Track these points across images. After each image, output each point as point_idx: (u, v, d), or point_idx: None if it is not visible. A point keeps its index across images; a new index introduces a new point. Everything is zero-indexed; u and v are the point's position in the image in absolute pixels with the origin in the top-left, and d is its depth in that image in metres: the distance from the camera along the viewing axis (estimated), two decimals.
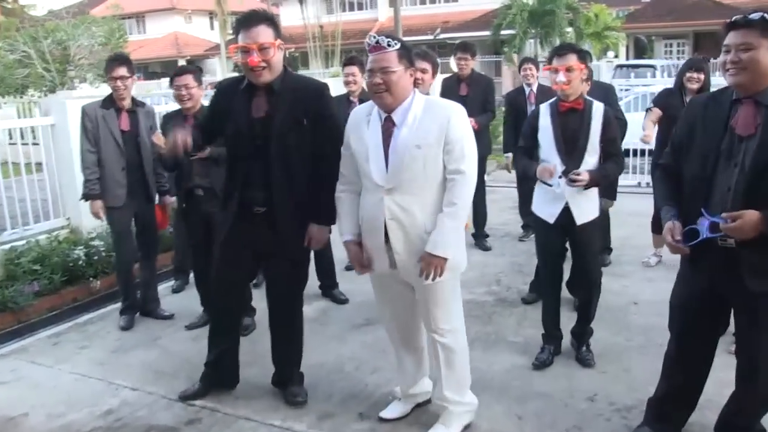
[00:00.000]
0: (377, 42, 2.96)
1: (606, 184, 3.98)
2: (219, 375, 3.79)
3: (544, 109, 3.99)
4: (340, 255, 5.94)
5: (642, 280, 5.47)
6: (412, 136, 2.96)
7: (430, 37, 29.53)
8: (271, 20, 3.33)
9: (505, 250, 6.56)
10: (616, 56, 24.76)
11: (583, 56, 3.98)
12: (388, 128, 3.03)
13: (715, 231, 2.64)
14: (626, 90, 11.12)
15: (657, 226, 5.23)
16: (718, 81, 4.10)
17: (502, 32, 24.16)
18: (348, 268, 6.02)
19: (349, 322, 4.87)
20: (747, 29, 2.59)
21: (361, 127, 3.11)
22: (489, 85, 6.65)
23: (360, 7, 37.51)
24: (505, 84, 7.03)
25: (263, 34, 3.24)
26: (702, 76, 5.11)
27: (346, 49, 27.26)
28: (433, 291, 3.11)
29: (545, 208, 3.99)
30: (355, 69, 5.49)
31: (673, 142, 3.00)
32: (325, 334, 4.65)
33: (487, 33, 25.30)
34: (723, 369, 3.11)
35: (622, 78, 14.53)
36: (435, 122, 2.97)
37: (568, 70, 3.80)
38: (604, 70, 15.09)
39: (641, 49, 29.64)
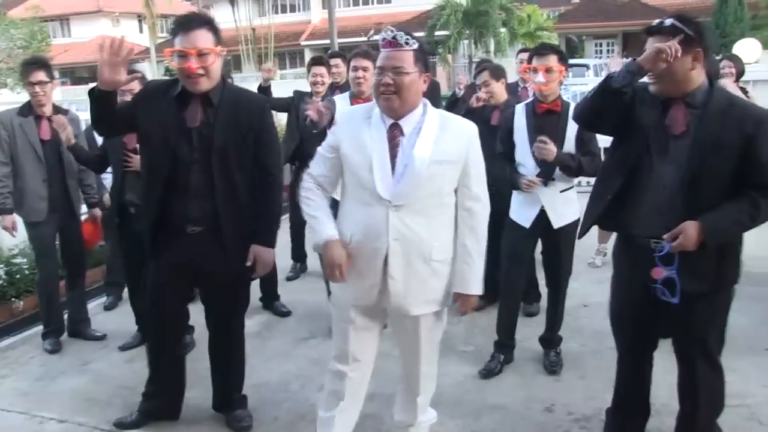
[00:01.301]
0: (394, 37, 2.61)
1: (573, 175, 3.87)
2: (159, 406, 3.49)
3: (520, 109, 3.91)
4: (281, 264, 5.75)
5: (591, 282, 5.40)
6: (432, 150, 2.62)
7: (364, 38, 29.44)
8: (211, 25, 3.04)
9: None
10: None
11: (564, 57, 3.87)
12: (394, 136, 2.65)
13: (669, 258, 2.64)
14: (565, 86, 11.22)
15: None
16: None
17: (437, 33, 24.27)
18: (289, 279, 5.82)
19: (293, 335, 4.66)
20: (661, 36, 2.59)
21: (360, 130, 2.68)
22: (435, 86, 6.54)
23: (293, 9, 37.25)
24: (462, 88, 7.00)
25: (203, 38, 2.96)
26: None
27: (280, 52, 27.03)
28: (428, 319, 2.82)
29: (522, 212, 3.92)
30: (323, 69, 5.31)
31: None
32: (268, 350, 4.42)
33: (421, 34, 25.30)
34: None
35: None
36: (456, 139, 2.69)
37: (548, 71, 3.73)
38: None
39: (572, 48, 30.26)
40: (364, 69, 4.16)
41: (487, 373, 3.92)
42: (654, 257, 2.66)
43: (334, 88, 5.46)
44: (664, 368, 3.08)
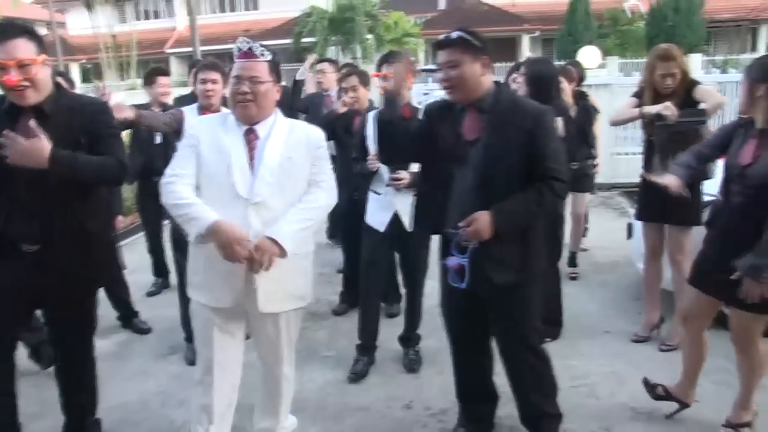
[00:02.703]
0: (250, 49, 2.76)
1: None
2: None
3: (372, 117, 3.98)
4: (140, 280, 5.60)
5: None
6: (283, 148, 2.80)
7: (232, 45, 28.97)
8: (31, 33, 2.84)
9: (316, 261, 6.38)
10: (416, 61, 25.73)
11: (411, 63, 4.01)
12: (250, 140, 2.80)
13: (462, 247, 2.82)
14: (425, 94, 11.51)
15: None
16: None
17: (303, 40, 24.27)
18: (151, 294, 5.66)
19: (153, 352, 4.52)
20: (451, 48, 2.78)
21: (217, 134, 2.80)
22: (289, 93, 6.54)
23: (156, 16, 36.09)
24: (309, 91, 7.03)
25: (22, 48, 2.75)
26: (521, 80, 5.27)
27: (144, 60, 26.07)
28: (287, 319, 2.95)
29: (376, 217, 4.00)
30: (168, 80, 5.25)
31: (415, 144, 3.17)
32: (126, 369, 4.27)
33: (289, 41, 25.30)
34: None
35: (421, 83, 15.01)
36: (303, 140, 2.87)
37: None
38: None
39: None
40: (213, 81, 4.07)
41: (356, 376, 3.98)
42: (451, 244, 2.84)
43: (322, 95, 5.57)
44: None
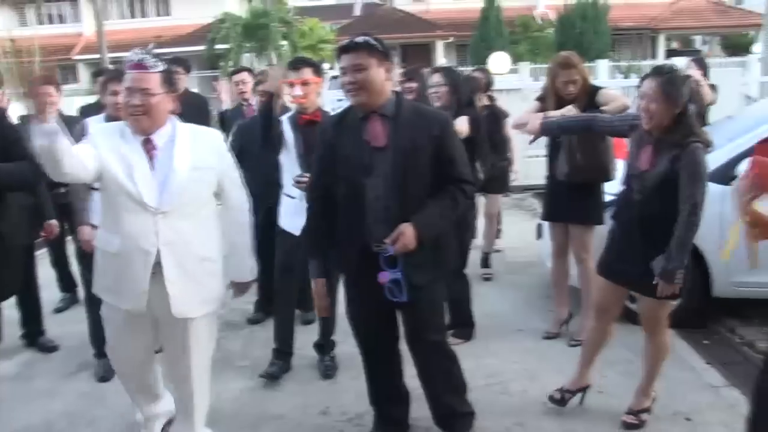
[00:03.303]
0: (141, 60, 2.76)
1: None
2: None
3: (285, 122, 3.96)
4: (47, 296, 5.36)
5: None
6: (191, 158, 2.84)
7: (137, 50, 28.22)
8: None
9: None
10: (331, 68, 25.75)
11: (319, 69, 4.00)
12: (149, 150, 2.82)
13: (393, 261, 2.84)
14: (339, 101, 11.47)
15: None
16: None
17: (218, 46, 23.92)
18: (59, 310, 5.44)
19: (60, 371, 4.32)
20: (356, 52, 2.81)
21: (117, 143, 2.80)
22: (204, 102, 6.50)
23: (61, 20, 34.73)
24: (224, 99, 6.95)
25: None
26: (414, 85, 5.25)
27: (49, 66, 25.17)
28: (197, 327, 2.96)
29: (291, 221, 3.96)
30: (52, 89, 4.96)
31: (318, 167, 3.12)
32: (30, 391, 4.06)
33: (202, 47, 24.89)
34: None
35: (335, 89, 14.98)
36: (208, 147, 2.94)
37: (305, 83, 3.83)
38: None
39: None
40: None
41: (269, 376, 3.97)
42: (379, 262, 2.85)
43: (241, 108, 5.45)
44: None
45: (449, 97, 4.38)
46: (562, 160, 4.22)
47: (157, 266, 2.79)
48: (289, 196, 3.96)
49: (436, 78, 4.48)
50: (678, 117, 3.11)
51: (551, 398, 3.57)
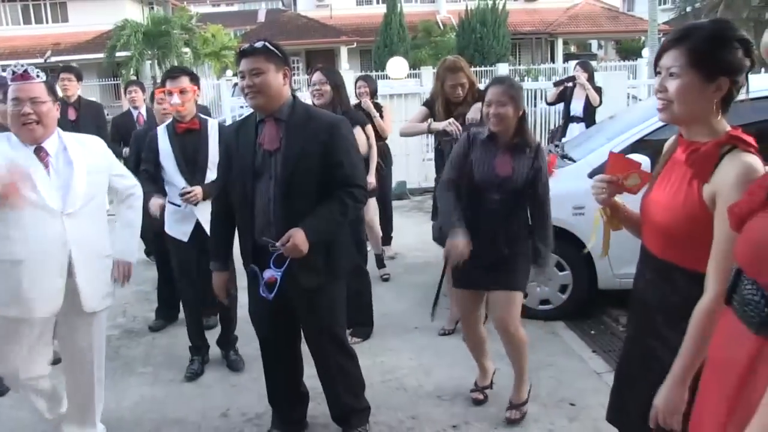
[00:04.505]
0: (26, 71, 2.87)
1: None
2: None
3: (162, 131, 4.02)
4: None
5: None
6: (87, 163, 3.00)
7: (41, 60, 27.22)
8: None
9: (133, 279, 6.21)
10: (235, 74, 25.45)
11: (196, 78, 4.10)
12: (42, 157, 2.93)
13: (279, 261, 2.93)
14: (242, 107, 11.39)
15: None
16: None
17: (119, 54, 23.34)
18: None
19: None
20: (255, 56, 2.90)
21: (4, 151, 2.88)
22: (99, 109, 6.49)
23: None
24: (125, 107, 6.82)
25: None
26: (327, 88, 5.03)
27: None
28: (99, 321, 3.17)
29: (178, 228, 4.06)
30: None
31: (219, 172, 3.27)
32: None
33: (102, 55, 24.22)
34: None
35: (237, 96, 14.85)
36: (96, 152, 3.11)
37: (182, 92, 3.92)
38: (223, 88, 15.39)
39: None
40: None
41: (193, 375, 4.13)
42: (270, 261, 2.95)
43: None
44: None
45: (331, 97, 4.51)
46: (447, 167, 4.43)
47: (68, 265, 2.94)
48: (173, 203, 4.03)
49: (318, 77, 4.60)
50: (520, 120, 3.33)
51: (476, 401, 3.73)
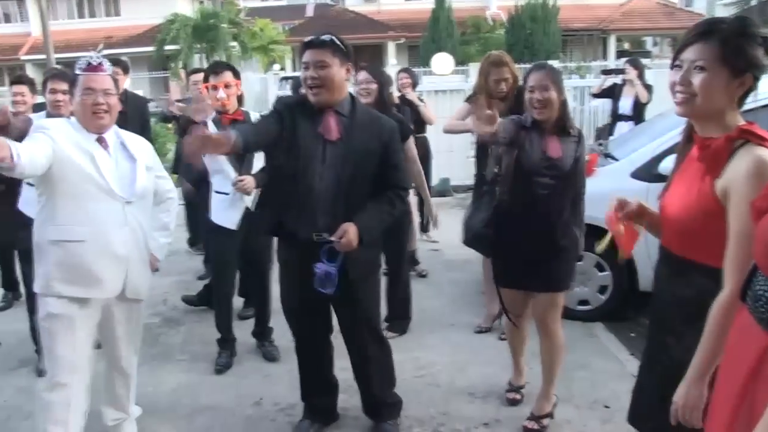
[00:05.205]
0: (100, 63, 2.95)
1: None
2: None
3: (210, 124, 4.07)
4: None
5: None
6: (143, 158, 3.09)
7: (93, 53, 27.80)
8: None
9: (171, 269, 6.25)
10: (282, 69, 25.72)
11: (237, 72, 4.15)
12: (104, 147, 2.99)
13: (332, 254, 2.94)
14: None
15: None
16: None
17: (167, 47, 23.74)
18: (0, 308, 5.46)
19: (0, 367, 4.38)
20: (321, 49, 2.92)
21: (74, 137, 2.91)
22: (145, 105, 6.57)
23: (8, 20, 34.03)
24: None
25: None
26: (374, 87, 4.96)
27: None
28: (141, 308, 3.24)
29: (226, 216, 4.08)
30: (24, 89, 4.99)
31: (262, 123, 3.24)
32: None
33: (152, 48, 24.64)
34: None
35: (284, 90, 14.94)
36: (146, 151, 3.18)
37: (227, 86, 4.00)
38: (270, 82, 15.55)
39: None
40: (63, 92, 4.03)
41: (223, 367, 4.19)
42: (319, 253, 2.94)
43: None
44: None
45: (377, 96, 4.51)
46: (491, 163, 4.40)
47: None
48: (220, 192, 4.08)
49: (364, 76, 4.58)
50: (562, 105, 3.28)
51: (512, 401, 3.70)
